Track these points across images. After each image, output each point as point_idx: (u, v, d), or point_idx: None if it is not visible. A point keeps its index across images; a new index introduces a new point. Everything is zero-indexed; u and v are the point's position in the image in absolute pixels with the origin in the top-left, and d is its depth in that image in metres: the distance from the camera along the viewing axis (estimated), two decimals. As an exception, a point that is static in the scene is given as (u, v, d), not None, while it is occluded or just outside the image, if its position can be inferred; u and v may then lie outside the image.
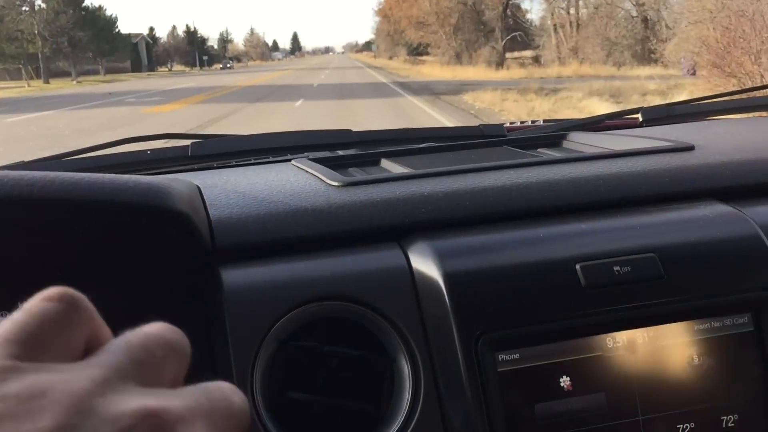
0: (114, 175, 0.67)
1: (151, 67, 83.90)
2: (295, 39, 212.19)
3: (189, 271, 0.77)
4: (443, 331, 0.72)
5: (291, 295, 0.73)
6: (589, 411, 0.73)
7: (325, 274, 0.75)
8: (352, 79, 34.85)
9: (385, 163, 1.11)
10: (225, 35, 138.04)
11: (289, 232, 0.79)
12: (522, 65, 37.58)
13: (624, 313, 0.74)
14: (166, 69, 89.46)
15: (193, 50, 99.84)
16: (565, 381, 0.73)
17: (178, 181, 0.72)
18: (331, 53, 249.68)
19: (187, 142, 1.28)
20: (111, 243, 0.70)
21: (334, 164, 1.05)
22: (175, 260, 0.75)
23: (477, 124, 1.40)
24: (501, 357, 0.72)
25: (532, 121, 1.51)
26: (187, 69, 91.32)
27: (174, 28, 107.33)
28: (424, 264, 0.75)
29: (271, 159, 1.24)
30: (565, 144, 1.18)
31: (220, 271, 0.74)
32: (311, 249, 0.78)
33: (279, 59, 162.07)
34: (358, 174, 1.02)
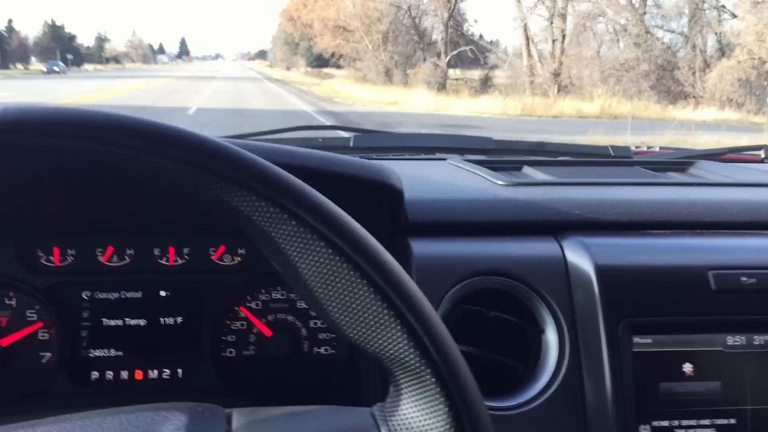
0: (348, 156, 0.85)
1: (4, 64, 76.76)
2: (183, 44, 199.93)
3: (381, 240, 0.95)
4: (589, 312, 0.87)
5: (466, 267, 0.89)
6: (705, 395, 0.87)
7: (493, 254, 0.91)
8: (253, 102, 24.08)
9: (528, 170, 1.27)
10: (102, 34, 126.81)
11: (466, 216, 0.95)
12: (472, 88, 28.83)
13: (745, 317, 0.88)
14: (22, 67, 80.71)
15: (56, 47, 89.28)
16: (687, 367, 0.87)
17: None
18: (220, 59, 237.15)
19: (349, 134, 1.47)
20: None
21: (486, 166, 1.21)
22: (375, 230, 0.93)
23: (606, 145, 1.54)
24: (636, 340, 0.86)
25: (660, 148, 1.63)
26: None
27: (45, 23, 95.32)
28: (578, 256, 0.90)
29: (424, 156, 1.42)
30: (692, 170, 1.31)
31: (410, 242, 0.92)
32: (482, 233, 0.95)
33: (164, 63, 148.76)
34: (509, 177, 1.18)
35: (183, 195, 0.50)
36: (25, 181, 0.57)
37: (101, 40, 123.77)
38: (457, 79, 32.44)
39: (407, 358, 0.48)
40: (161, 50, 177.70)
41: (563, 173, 1.21)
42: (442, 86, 28.01)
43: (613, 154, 1.50)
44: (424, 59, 30.54)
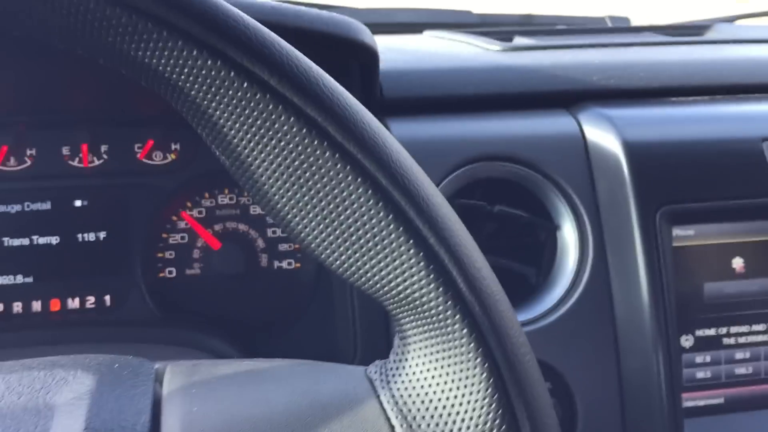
0: (310, 8, 0.64)
1: None
2: None
3: None
4: (618, 200, 0.70)
5: (459, 152, 0.71)
6: (759, 295, 0.71)
7: (493, 134, 0.73)
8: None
9: (520, 40, 1.07)
10: None
11: (456, 89, 0.76)
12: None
13: None
14: None
15: None
16: (737, 262, 0.71)
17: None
18: None
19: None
20: None
21: (473, 36, 1.01)
22: None
23: (602, 16, 1.34)
24: (676, 232, 0.69)
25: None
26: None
27: None
28: (600, 131, 0.72)
29: (396, 32, 1.21)
30: (711, 33, 1.12)
31: (388, 123, 0.72)
32: (476, 109, 0.75)
33: None
34: (505, 43, 0.99)
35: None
36: None
37: None
38: None
39: (424, 297, 0.30)
40: None
41: (564, 40, 1.01)
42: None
43: (611, 25, 1.31)
44: None
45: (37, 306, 0.76)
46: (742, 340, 0.70)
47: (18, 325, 0.76)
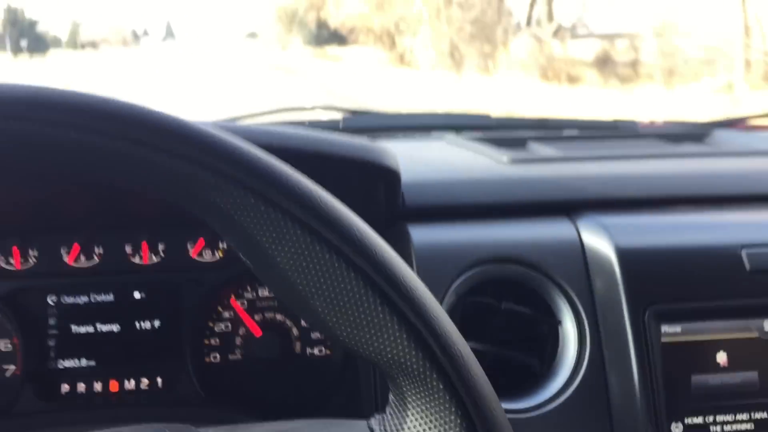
0: (338, 135, 0.76)
1: None
2: (168, 28, 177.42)
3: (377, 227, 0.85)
4: (611, 300, 0.78)
5: (472, 254, 0.80)
6: (741, 387, 0.78)
7: (501, 238, 0.82)
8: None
9: (533, 146, 1.17)
10: (78, 21, 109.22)
11: (470, 198, 0.86)
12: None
13: None
14: None
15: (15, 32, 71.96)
16: (721, 357, 0.78)
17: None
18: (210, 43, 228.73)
19: (339, 114, 1.38)
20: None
21: (488, 143, 1.12)
22: (370, 216, 0.84)
23: (611, 119, 1.45)
24: (664, 329, 0.78)
25: (664, 122, 1.54)
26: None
27: None
28: (596, 237, 0.81)
29: (418, 136, 1.32)
30: (709, 141, 1.21)
31: (408, 228, 0.82)
32: (487, 216, 0.85)
33: (147, 47, 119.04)
34: (514, 153, 1.09)
35: (139, 183, 0.41)
36: None
37: (77, 25, 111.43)
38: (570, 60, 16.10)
39: (408, 361, 0.40)
40: (145, 33, 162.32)
41: (571, 148, 1.12)
42: (548, 71, 14.98)
43: (618, 128, 1.41)
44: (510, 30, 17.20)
45: (98, 387, 0.86)
46: (727, 428, 0.77)
47: (81, 404, 0.86)
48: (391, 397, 0.44)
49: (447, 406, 0.40)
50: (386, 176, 0.77)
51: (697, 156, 0.98)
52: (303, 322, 0.90)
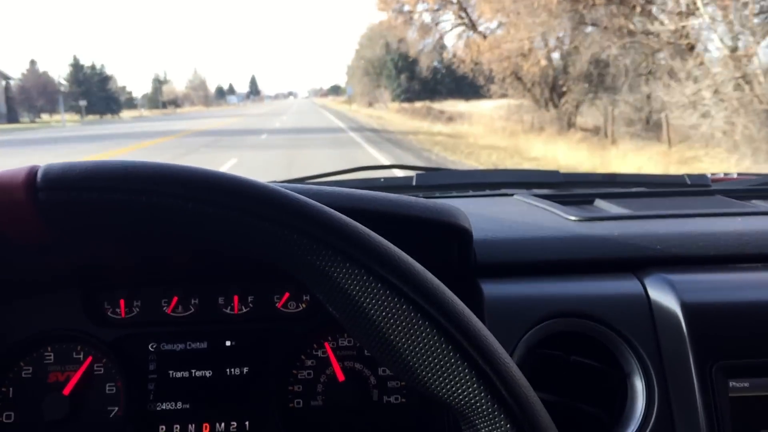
0: (410, 197, 0.82)
1: (12, 117, 57.47)
2: (253, 82, 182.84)
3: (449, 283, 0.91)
4: (679, 355, 0.81)
5: (541, 309, 0.85)
6: None
7: (570, 294, 0.86)
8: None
9: (600, 203, 1.21)
10: (160, 77, 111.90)
11: (539, 255, 0.91)
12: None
13: None
14: (27, 120, 61.28)
15: (78, 91, 69.69)
16: (791, 413, 0.79)
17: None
18: (292, 97, 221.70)
19: (412, 172, 1.45)
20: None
21: (556, 201, 1.16)
22: (443, 272, 0.89)
23: (681, 174, 1.47)
24: (732, 384, 0.80)
25: (738, 174, 1.55)
26: (57, 118, 58.46)
27: (33, 63, 74.58)
28: (662, 294, 0.84)
29: (489, 192, 1.38)
30: (777, 199, 1.23)
31: (480, 283, 0.87)
32: (556, 272, 0.90)
33: (234, 104, 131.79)
34: (581, 212, 1.13)
35: (239, 245, 0.48)
36: (83, 235, 0.56)
37: (159, 83, 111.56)
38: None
39: (479, 404, 0.45)
40: (231, 90, 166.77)
41: (639, 205, 1.15)
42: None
43: (689, 183, 1.43)
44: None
45: (191, 429, 0.93)
46: (799, 484, 0.78)
47: None
48: None
49: None
50: (459, 235, 0.82)
51: (765, 214, 1.00)
52: (380, 371, 0.95)
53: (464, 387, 0.45)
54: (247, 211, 0.47)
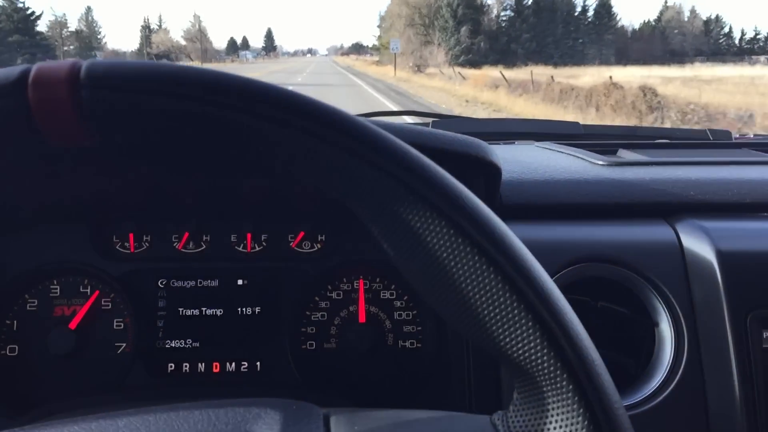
0: (447, 132, 0.78)
1: None
2: (269, 36, 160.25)
3: None
4: (711, 303, 0.78)
5: (568, 253, 0.81)
6: None
7: (598, 238, 0.83)
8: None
9: (623, 153, 1.17)
10: (146, 20, 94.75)
11: (566, 198, 0.87)
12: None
13: None
14: None
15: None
16: (826, 365, 0.76)
17: None
18: (310, 55, 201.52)
19: (428, 119, 1.40)
20: None
21: (579, 149, 1.12)
22: None
23: (703, 128, 1.43)
24: (767, 334, 0.77)
25: (755, 135, 1.50)
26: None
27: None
28: (696, 242, 0.81)
29: (507, 141, 1.33)
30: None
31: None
32: (583, 217, 0.86)
33: (248, 60, 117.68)
34: (609, 158, 1.09)
35: (288, 165, 0.43)
36: (115, 150, 0.52)
37: (148, 30, 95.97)
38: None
39: (539, 360, 0.41)
40: (245, 45, 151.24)
41: (665, 155, 1.11)
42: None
43: (712, 138, 1.39)
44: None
45: (201, 367, 0.90)
46: (831, 437, 0.75)
47: (184, 382, 0.90)
48: (515, 395, 0.44)
49: (575, 407, 0.40)
50: (488, 170, 0.78)
51: None
52: (396, 315, 0.92)
53: (525, 342, 0.40)
54: (338, 145, 0.41)
